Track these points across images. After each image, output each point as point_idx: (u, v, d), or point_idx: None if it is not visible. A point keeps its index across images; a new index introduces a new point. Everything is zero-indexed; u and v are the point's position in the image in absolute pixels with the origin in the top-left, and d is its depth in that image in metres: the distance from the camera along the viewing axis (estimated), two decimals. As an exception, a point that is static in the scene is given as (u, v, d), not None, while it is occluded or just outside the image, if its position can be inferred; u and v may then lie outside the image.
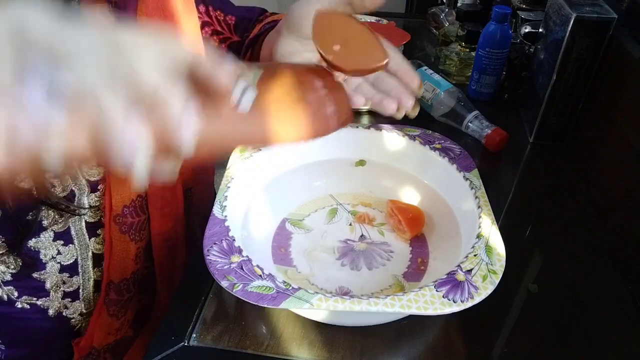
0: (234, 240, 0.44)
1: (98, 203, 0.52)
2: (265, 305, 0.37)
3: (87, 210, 0.51)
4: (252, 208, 0.54)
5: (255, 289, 0.38)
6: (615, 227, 0.58)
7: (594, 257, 0.56)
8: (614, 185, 0.60)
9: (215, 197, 0.50)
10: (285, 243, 0.54)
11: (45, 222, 0.48)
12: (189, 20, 0.54)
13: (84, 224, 0.51)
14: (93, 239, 0.52)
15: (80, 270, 0.53)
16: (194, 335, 0.45)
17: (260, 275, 0.40)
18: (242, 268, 0.40)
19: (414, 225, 0.54)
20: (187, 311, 0.47)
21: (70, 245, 0.51)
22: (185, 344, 0.45)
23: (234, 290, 0.38)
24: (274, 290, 0.38)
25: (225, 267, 0.41)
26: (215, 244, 0.43)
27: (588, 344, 0.46)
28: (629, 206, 0.56)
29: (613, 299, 0.51)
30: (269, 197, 0.57)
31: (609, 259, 0.55)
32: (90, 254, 0.53)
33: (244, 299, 0.38)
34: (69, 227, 0.50)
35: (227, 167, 0.54)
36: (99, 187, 0.51)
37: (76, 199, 0.49)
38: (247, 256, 0.42)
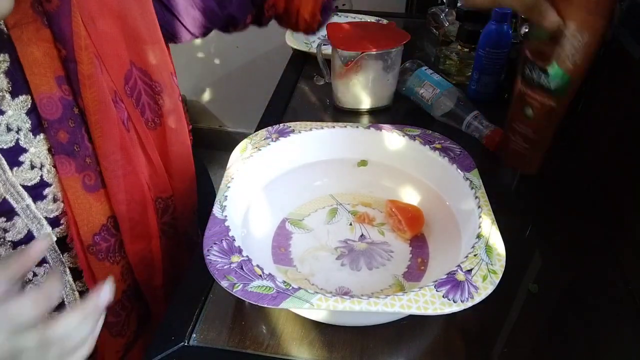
0: (234, 240, 0.44)
1: (64, 234, 0.50)
2: (265, 305, 0.37)
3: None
4: (252, 208, 0.54)
5: (255, 289, 0.38)
6: (615, 226, 0.58)
7: (594, 257, 0.56)
8: (614, 184, 0.60)
9: (197, 203, 0.48)
10: (285, 243, 0.54)
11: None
12: (143, 18, 0.50)
13: (54, 241, 0.49)
14: (66, 254, 0.51)
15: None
16: (194, 335, 0.45)
17: (260, 275, 0.40)
18: (242, 268, 0.40)
19: (414, 225, 0.54)
20: (187, 311, 0.47)
21: (45, 264, 0.49)
22: (185, 344, 0.45)
23: (234, 290, 0.38)
24: (274, 290, 0.38)
25: (225, 267, 0.41)
26: (215, 244, 0.43)
27: (588, 344, 0.46)
28: (629, 206, 0.56)
29: (613, 299, 0.51)
30: (269, 197, 0.57)
31: (609, 259, 0.55)
32: (67, 269, 0.51)
33: (244, 299, 0.38)
34: None
35: (227, 167, 0.54)
36: (61, 222, 0.49)
37: (36, 238, 0.47)
38: (247, 256, 0.42)
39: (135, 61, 0.51)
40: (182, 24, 0.59)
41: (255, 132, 0.60)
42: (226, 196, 0.49)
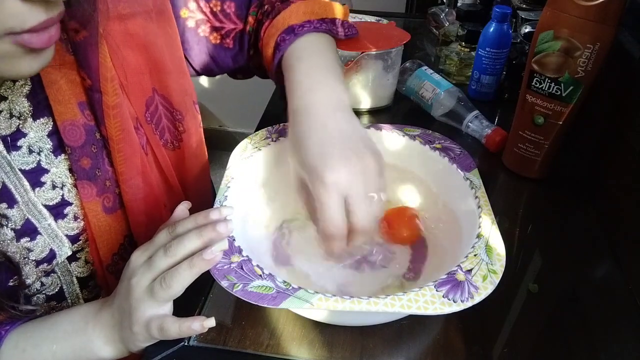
0: (234, 240, 0.43)
1: (79, 249, 0.50)
2: (265, 305, 0.37)
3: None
4: (252, 208, 0.54)
5: (255, 289, 0.38)
6: (615, 226, 0.58)
7: (594, 257, 0.56)
8: (614, 184, 0.60)
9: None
10: (285, 243, 0.54)
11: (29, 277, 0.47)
12: (169, 49, 0.51)
13: (67, 255, 0.49)
14: (74, 263, 0.51)
15: (67, 296, 0.51)
16: (194, 335, 0.45)
17: (260, 275, 0.40)
18: (242, 268, 0.40)
19: (402, 229, 0.54)
20: (187, 311, 0.47)
21: (52, 274, 0.49)
22: (185, 344, 0.45)
23: (234, 290, 0.38)
24: (274, 290, 0.38)
25: (225, 267, 0.41)
26: (215, 243, 0.43)
27: (588, 344, 0.46)
28: (629, 206, 0.56)
29: (613, 299, 0.51)
30: (269, 196, 0.57)
31: (609, 259, 0.55)
32: (74, 279, 0.51)
33: (244, 299, 0.38)
34: None
35: (227, 167, 0.54)
36: (79, 238, 0.49)
37: (57, 256, 0.48)
38: (247, 256, 0.42)
39: (157, 88, 0.51)
40: (190, 64, 0.60)
41: (255, 132, 0.60)
42: (226, 196, 0.49)
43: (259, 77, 0.67)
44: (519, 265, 0.54)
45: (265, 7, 0.58)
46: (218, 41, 0.58)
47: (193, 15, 0.55)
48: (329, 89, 0.47)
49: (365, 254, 0.52)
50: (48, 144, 0.45)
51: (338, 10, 0.58)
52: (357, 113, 0.81)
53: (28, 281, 0.46)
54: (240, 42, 0.60)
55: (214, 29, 0.58)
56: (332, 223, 0.41)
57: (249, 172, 0.54)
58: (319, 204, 0.41)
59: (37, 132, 0.44)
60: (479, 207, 0.47)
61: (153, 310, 0.41)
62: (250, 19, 0.59)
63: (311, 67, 0.50)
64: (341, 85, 0.48)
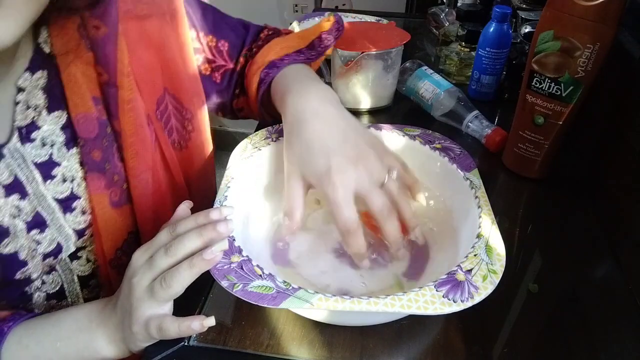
0: (234, 240, 0.44)
1: (84, 245, 0.50)
2: (265, 305, 0.37)
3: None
4: (252, 208, 0.54)
5: (255, 289, 0.38)
6: (615, 226, 0.58)
7: (594, 257, 0.56)
8: (614, 184, 0.60)
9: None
10: (285, 243, 0.54)
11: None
12: (180, 51, 0.52)
13: (71, 251, 0.50)
14: (75, 261, 0.51)
15: (67, 295, 0.51)
16: (193, 335, 0.45)
17: (260, 275, 0.40)
18: (242, 268, 0.40)
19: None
20: (187, 311, 0.47)
21: (54, 272, 0.49)
22: (185, 344, 0.45)
23: (234, 290, 0.38)
24: (274, 290, 0.38)
25: (225, 267, 0.41)
26: (215, 243, 0.43)
27: (588, 344, 0.46)
28: (629, 206, 0.56)
29: (613, 299, 0.51)
30: (269, 196, 0.57)
31: (609, 259, 0.55)
32: (75, 277, 0.51)
33: (244, 299, 0.38)
34: None
35: (227, 167, 0.54)
36: (85, 233, 0.50)
37: (63, 250, 0.48)
38: (247, 256, 0.42)
39: (168, 87, 0.53)
40: None
41: (255, 132, 0.60)
42: (226, 196, 0.49)
43: (242, 118, 0.70)
44: (519, 265, 0.54)
45: (254, 49, 0.63)
46: (208, 73, 0.61)
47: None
48: (318, 91, 0.51)
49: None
50: (61, 137, 0.46)
51: (317, 31, 0.64)
52: (357, 113, 0.82)
53: (33, 275, 0.46)
54: (229, 79, 0.63)
55: (207, 60, 0.60)
56: (349, 220, 0.45)
57: (249, 172, 0.54)
58: (330, 204, 0.45)
59: (50, 125, 0.45)
60: (479, 207, 0.47)
61: (153, 310, 0.41)
62: (242, 60, 0.63)
63: (297, 80, 0.55)
64: (329, 89, 0.53)
